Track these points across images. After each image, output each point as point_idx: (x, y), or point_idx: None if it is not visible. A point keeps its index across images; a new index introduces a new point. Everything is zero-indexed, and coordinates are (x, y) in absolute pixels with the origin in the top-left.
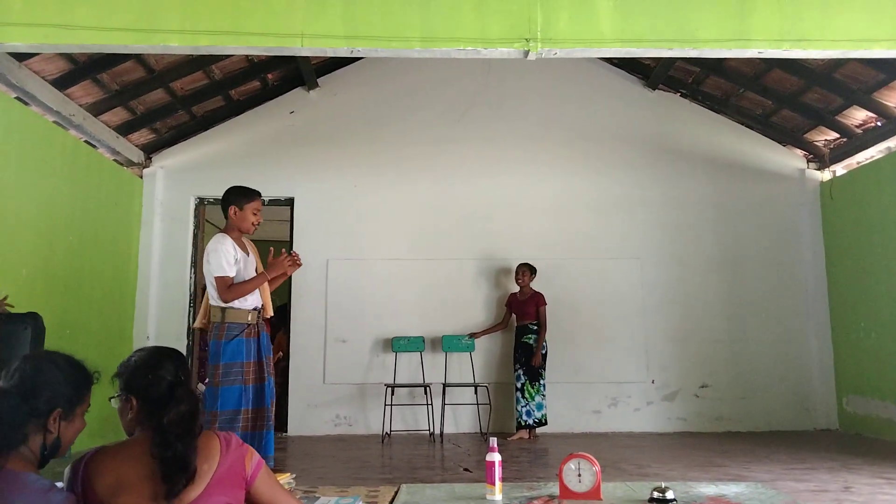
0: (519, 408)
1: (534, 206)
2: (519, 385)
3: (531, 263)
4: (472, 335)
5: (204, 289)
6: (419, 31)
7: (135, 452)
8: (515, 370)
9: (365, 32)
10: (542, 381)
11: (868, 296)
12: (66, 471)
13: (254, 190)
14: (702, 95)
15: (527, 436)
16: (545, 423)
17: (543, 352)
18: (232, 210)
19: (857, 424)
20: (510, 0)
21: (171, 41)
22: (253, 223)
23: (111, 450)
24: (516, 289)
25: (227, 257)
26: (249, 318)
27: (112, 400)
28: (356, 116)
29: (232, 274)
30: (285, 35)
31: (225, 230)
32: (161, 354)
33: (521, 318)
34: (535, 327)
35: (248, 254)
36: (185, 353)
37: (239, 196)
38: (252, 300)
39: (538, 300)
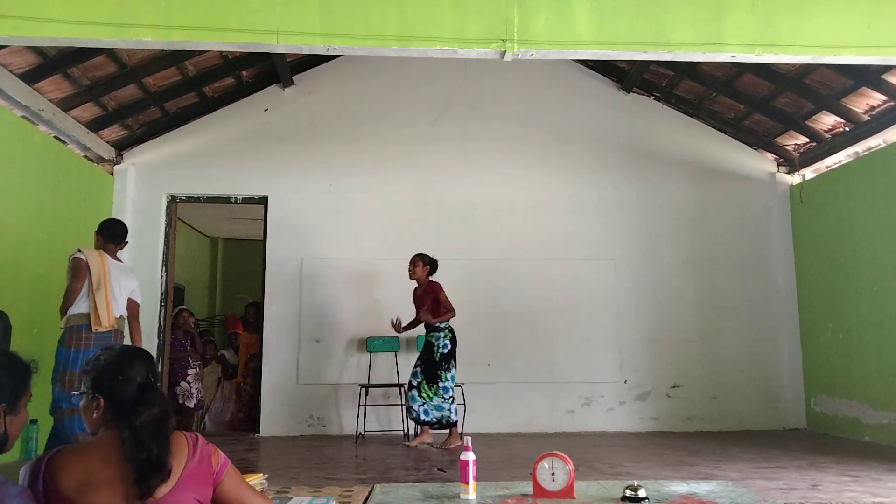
0: (416, 406)
1: (509, 206)
2: (415, 383)
3: (426, 254)
4: (398, 329)
5: (180, 289)
6: (396, 30)
7: (102, 453)
8: (415, 366)
9: (342, 30)
10: (440, 384)
11: (836, 297)
12: (24, 470)
13: None
14: (675, 99)
15: (429, 439)
16: (453, 424)
17: (445, 350)
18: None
19: (825, 424)
20: (487, 0)
21: (145, 36)
22: None
23: (76, 449)
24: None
25: None
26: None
27: (74, 396)
28: (332, 115)
29: None
30: (261, 31)
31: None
32: (131, 355)
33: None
34: (442, 324)
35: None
36: (156, 352)
37: None
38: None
39: (435, 290)
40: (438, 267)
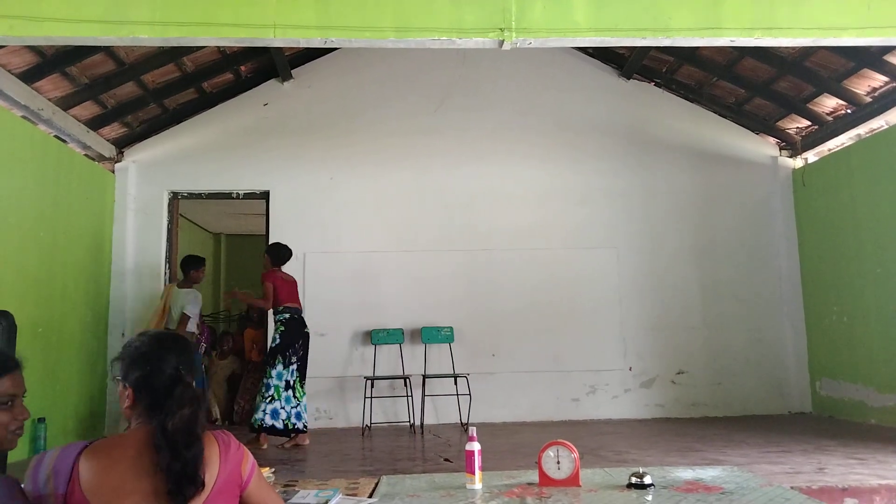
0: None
1: (511, 196)
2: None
3: (273, 243)
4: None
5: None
6: (393, 21)
7: (134, 458)
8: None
9: (338, 22)
10: (265, 380)
11: (840, 281)
12: (45, 462)
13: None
14: (676, 84)
15: (264, 442)
16: (296, 431)
17: (274, 344)
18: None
19: (830, 407)
20: None
21: (141, 33)
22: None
23: (106, 448)
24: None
25: None
26: None
27: (114, 381)
28: (331, 108)
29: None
30: (257, 26)
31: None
32: (163, 343)
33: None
34: (276, 316)
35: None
36: None
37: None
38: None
39: (263, 278)
40: (287, 253)
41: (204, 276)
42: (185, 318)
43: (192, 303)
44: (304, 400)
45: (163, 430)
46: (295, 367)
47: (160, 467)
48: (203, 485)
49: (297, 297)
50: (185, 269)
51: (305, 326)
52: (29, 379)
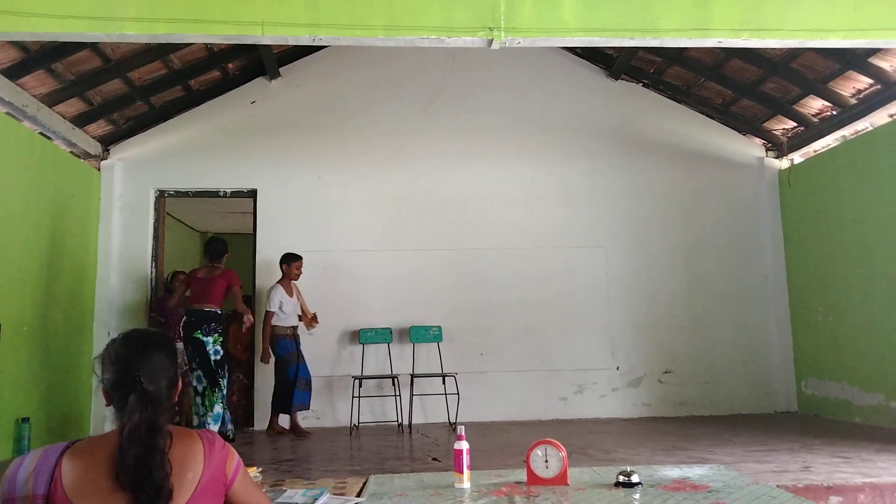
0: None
1: (500, 196)
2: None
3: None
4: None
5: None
6: (383, 19)
7: (110, 453)
8: (194, 370)
9: (327, 20)
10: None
11: (825, 281)
12: (26, 464)
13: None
14: (663, 85)
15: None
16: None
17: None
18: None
19: (815, 406)
20: None
21: (128, 29)
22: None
23: (87, 447)
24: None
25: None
26: (288, 332)
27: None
28: (320, 107)
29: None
30: (245, 23)
31: (279, 280)
32: (129, 346)
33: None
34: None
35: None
36: None
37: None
38: (291, 320)
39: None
40: (215, 247)
41: (297, 273)
42: (268, 315)
43: (268, 299)
44: (217, 409)
45: (121, 433)
46: (199, 373)
47: (118, 478)
48: (170, 494)
49: (209, 298)
50: (281, 266)
51: (197, 330)
52: (13, 378)
